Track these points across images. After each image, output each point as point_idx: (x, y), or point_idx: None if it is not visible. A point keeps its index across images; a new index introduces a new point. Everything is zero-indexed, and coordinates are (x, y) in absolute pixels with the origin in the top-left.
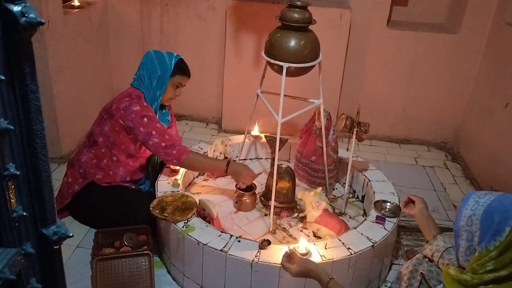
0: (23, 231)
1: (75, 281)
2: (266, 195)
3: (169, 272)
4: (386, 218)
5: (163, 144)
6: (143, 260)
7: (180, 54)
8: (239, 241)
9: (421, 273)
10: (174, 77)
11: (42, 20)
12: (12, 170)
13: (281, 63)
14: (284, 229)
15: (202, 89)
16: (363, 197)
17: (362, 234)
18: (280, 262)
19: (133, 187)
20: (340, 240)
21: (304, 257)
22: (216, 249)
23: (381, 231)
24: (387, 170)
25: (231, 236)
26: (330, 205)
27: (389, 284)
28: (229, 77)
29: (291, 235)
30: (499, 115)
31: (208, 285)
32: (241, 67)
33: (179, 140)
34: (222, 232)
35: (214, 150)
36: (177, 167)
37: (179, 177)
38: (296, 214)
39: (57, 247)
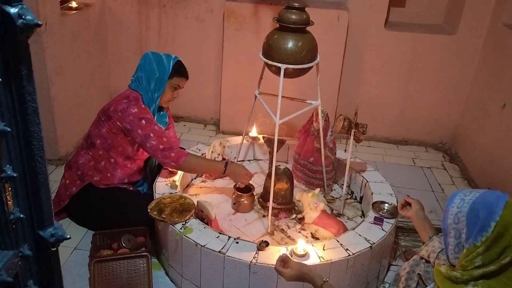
0: (20, 233)
1: (73, 283)
2: (264, 196)
3: (167, 274)
4: (384, 219)
5: (161, 147)
6: (141, 261)
7: (178, 55)
8: (237, 242)
9: (418, 274)
10: (172, 79)
11: (39, 22)
12: (9, 172)
13: (279, 65)
14: (282, 231)
15: (200, 91)
16: (361, 198)
17: (360, 235)
18: (274, 267)
19: (131, 189)
20: (338, 241)
21: (301, 259)
22: (214, 251)
23: (379, 232)
24: (385, 171)
25: (229, 237)
26: (328, 206)
27: (387, 285)
28: (227, 79)
29: (289, 236)
30: (496, 116)
31: (206, 286)
32: (239, 69)
33: (177, 142)
34: (220, 233)
35: (212, 152)
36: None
37: (177, 178)
38: (294, 215)
39: (55, 249)
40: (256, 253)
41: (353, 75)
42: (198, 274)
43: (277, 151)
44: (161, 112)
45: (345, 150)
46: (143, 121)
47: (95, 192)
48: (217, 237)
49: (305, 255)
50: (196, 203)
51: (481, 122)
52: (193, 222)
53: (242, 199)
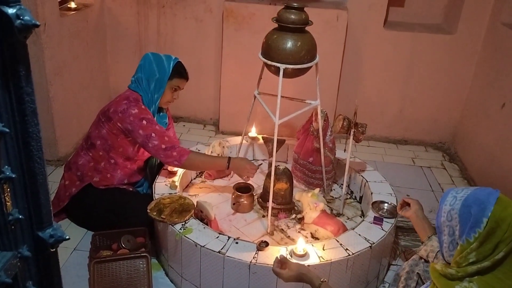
0: (19, 234)
1: (72, 284)
2: (264, 197)
3: (167, 274)
4: (384, 219)
5: (163, 146)
6: (141, 262)
7: (177, 56)
8: (236, 242)
9: (417, 273)
10: (172, 80)
11: (37, 23)
12: (7, 173)
13: (278, 65)
14: (282, 231)
15: (200, 91)
16: (360, 198)
17: (360, 235)
18: (272, 268)
19: (131, 189)
20: (338, 241)
21: (301, 259)
22: (214, 251)
23: (379, 232)
24: (385, 171)
25: (229, 237)
26: (328, 206)
27: (387, 285)
28: (226, 79)
29: (289, 236)
30: (496, 115)
31: (206, 287)
32: (238, 69)
33: (177, 143)
34: (219, 233)
35: (211, 152)
36: (175, 169)
37: (176, 179)
38: (294, 215)
39: (54, 250)
40: (255, 253)
41: (352, 75)
42: (198, 274)
43: (276, 151)
44: (161, 113)
45: (345, 150)
46: (144, 122)
47: (95, 193)
48: (217, 238)
49: (305, 255)
50: (195, 204)
51: (480, 121)
52: (193, 223)
53: (242, 199)
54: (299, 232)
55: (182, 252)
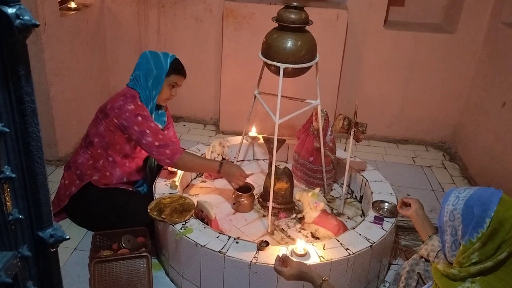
0: (19, 234)
1: (72, 284)
2: (264, 196)
3: (167, 274)
4: (384, 218)
5: (157, 143)
6: (141, 262)
7: (177, 55)
8: (237, 242)
9: (418, 273)
10: (169, 77)
11: (37, 22)
12: (7, 173)
13: (278, 64)
14: (282, 230)
15: (200, 91)
16: (361, 197)
17: (360, 234)
18: (273, 267)
19: (131, 189)
20: (338, 241)
21: (301, 259)
22: (214, 251)
23: (379, 231)
24: (385, 170)
25: (229, 237)
26: (328, 205)
27: (387, 285)
28: (226, 78)
29: (289, 236)
30: (496, 115)
31: (206, 286)
32: (238, 68)
33: (177, 142)
34: (220, 233)
35: (212, 152)
36: (174, 169)
37: (177, 179)
38: (294, 215)
39: (54, 250)
40: (256, 253)
41: (352, 75)
42: (198, 274)
43: (277, 151)
44: (160, 111)
45: (345, 150)
46: (139, 118)
47: (95, 193)
48: (217, 237)
49: (305, 255)
50: (196, 203)
51: (481, 120)
52: (193, 222)
53: (242, 199)
54: (299, 231)
55: (183, 252)
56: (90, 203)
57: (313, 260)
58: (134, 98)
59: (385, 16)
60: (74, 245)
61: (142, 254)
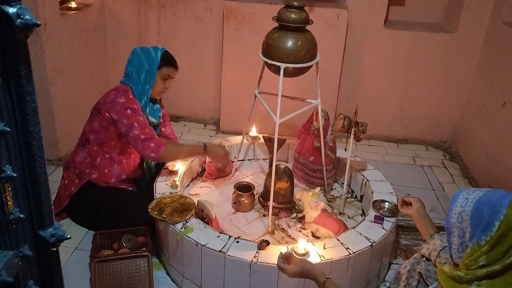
0: (20, 233)
1: (73, 283)
2: (265, 196)
3: (168, 274)
4: (385, 218)
5: (142, 137)
6: (142, 261)
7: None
8: (237, 241)
9: (419, 272)
10: (161, 69)
11: (38, 22)
12: (8, 172)
13: (279, 64)
14: (282, 230)
15: (200, 90)
16: (361, 197)
17: (360, 234)
18: (276, 264)
19: (131, 188)
20: (338, 240)
21: (301, 257)
22: (215, 250)
23: (380, 230)
24: (385, 170)
25: (230, 237)
26: (329, 205)
27: (388, 284)
28: (227, 78)
29: (289, 235)
30: (496, 114)
31: (207, 286)
32: (238, 68)
33: (175, 139)
34: (220, 233)
35: None
36: (176, 168)
37: (177, 178)
38: (294, 215)
39: (55, 249)
40: (256, 252)
41: (353, 74)
42: (199, 273)
43: (277, 151)
44: (155, 106)
45: (345, 149)
46: (129, 111)
47: (95, 192)
48: (218, 237)
49: (305, 254)
50: (196, 203)
51: (481, 120)
52: (194, 222)
53: (243, 199)
54: (299, 231)
55: (183, 251)
56: (91, 202)
57: (314, 259)
58: (126, 92)
59: (385, 15)
60: (74, 244)
61: (143, 253)
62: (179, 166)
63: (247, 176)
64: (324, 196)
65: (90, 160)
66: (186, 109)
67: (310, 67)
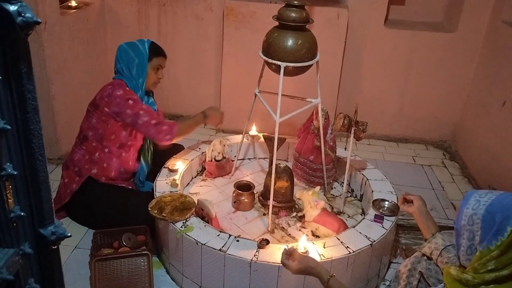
0: (20, 231)
1: (73, 282)
2: (265, 195)
3: (168, 272)
4: (385, 217)
5: (153, 122)
6: (142, 260)
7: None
8: (237, 240)
9: (419, 271)
10: (151, 61)
11: (39, 20)
12: (9, 170)
13: (279, 63)
14: (282, 229)
15: (200, 89)
16: (361, 196)
17: (360, 233)
18: (280, 260)
19: (130, 187)
20: (338, 239)
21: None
22: (215, 249)
23: (380, 229)
24: (385, 169)
25: (230, 235)
26: (329, 204)
27: (387, 283)
28: (227, 77)
29: (289, 234)
30: (496, 113)
31: (207, 284)
32: (238, 67)
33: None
34: (220, 231)
35: (212, 150)
36: (176, 167)
37: (177, 177)
38: (294, 214)
39: (55, 247)
40: (256, 251)
41: (353, 73)
42: (199, 272)
43: (277, 150)
44: (150, 100)
45: (345, 148)
46: (130, 101)
47: (96, 190)
48: (218, 235)
49: (305, 253)
50: (196, 202)
51: (481, 119)
52: (194, 221)
53: (243, 198)
54: (299, 230)
55: (183, 250)
56: (91, 200)
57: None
58: (122, 85)
59: (385, 14)
60: (74, 243)
61: (143, 252)
62: (179, 165)
63: (247, 175)
64: (324, 195)
65: (89, 156)
66: (186, 108)
67: (310, 66)
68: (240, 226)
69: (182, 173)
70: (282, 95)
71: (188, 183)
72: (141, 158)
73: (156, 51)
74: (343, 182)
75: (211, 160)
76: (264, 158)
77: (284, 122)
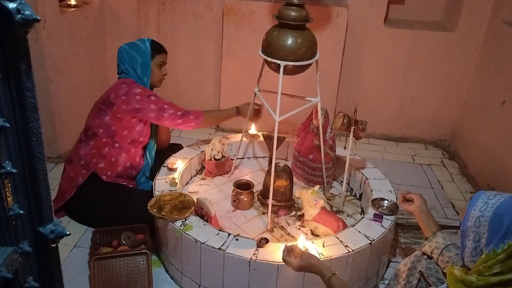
0: (19, 230)
1: (72, 281)
2: (264, 194)
3: (167, 271)
4: (384, 216)
5: (179, 113)
6: (141, 259)
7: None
8: (237, 239)
9: (419, 270)
10: (154, 58)
11: (38, 17)
12: (8, 168)
13: (278, 61)
14: (282, 228)
15: (200, 88)
16: (360, 195)
17: (359, 232)
18: (280, 258)
19: (131, 186)
20: (338, 238)
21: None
22: (214, 248)
23: (379, 229)
24: (385, 168)
25: (229, 234)
26: (328, 203)
27: (387, 282)
28: (226, 76)
29: (289, 233)
30: (495, 113)
31: (206, 283)
32: (238, 66)
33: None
34: (220, 230)
35: (211, 149)
36: (175, 166)
37: (177, 176)
38: (294, 212)
39: (54, 245)
40: (256, 250)
41: (352, 72)
42: (198, 271)
43: (276, 149)
44: None
45: (345, 147)
46: (153, 97)
47: (96, 190)
48: (217, 234)
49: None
50: (195, 200)
51: (480, 119)
52: (193, 219)
53: (242, 196)
54: (299, 229)
55: (182, 249)
56: (91, 200)
57: None
58: (135, 83)
59: (385, 14)
60: (73, 242)
61: (142, 251)
62: (179, 164)
63: (247, 174)
64: (323, 194)
65: (97, 150)
66: (185, 107)
67: (310, 65)
68: (239, 225)
69: (182, 172)
70: (282, 94)
71: (188, 182)
72: (147, 154)
73: (157, 48)
74: (342, 181)
75: (211, 159)
76: (263, 157)
77: (284, 121)
